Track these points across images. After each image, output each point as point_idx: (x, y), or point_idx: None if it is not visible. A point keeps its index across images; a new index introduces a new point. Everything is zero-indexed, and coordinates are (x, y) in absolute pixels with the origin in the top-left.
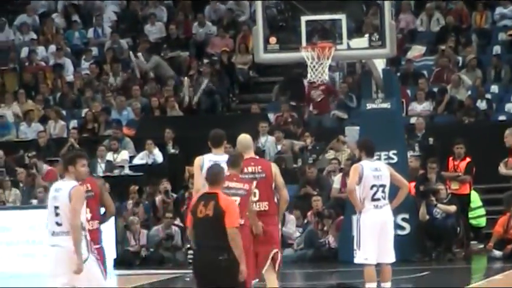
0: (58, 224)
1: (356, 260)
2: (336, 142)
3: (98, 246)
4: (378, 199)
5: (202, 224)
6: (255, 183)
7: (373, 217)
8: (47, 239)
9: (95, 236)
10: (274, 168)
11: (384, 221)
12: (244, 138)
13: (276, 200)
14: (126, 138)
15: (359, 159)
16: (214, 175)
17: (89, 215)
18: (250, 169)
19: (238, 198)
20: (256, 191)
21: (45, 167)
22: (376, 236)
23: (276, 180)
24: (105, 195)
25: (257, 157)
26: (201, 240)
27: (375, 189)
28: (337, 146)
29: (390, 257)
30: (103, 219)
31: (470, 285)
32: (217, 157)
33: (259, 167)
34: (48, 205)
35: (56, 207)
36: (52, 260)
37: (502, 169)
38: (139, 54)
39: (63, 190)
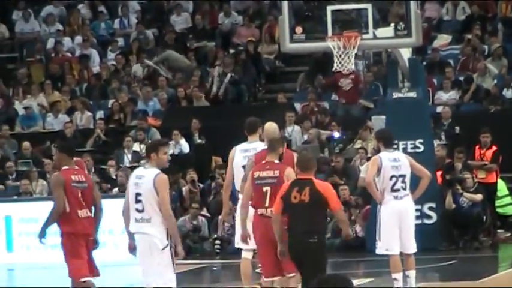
0: (139, 211)
1: (377, 251)
2: (363, 131)
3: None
4: (398, 190)
5: (297, 210)
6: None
7: (393, 208)
8: (130, 226)
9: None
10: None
11: (405, 211)
12: (270, 126)
13: None
14: (152, 128)
15: (378, 151)
16: (306, 161)
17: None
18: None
19: (268, 188)
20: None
21: None
22: (396, 227)
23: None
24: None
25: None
26: (294, 225)
27: (394, 179)
28: (364, 135)
29: (412, 247)
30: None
31: (497, 274)
32: (251, 145)
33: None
34: (130, 192)
35: (138, 194)
36: (139, 249)
37: None
38: (146, 60)
39: (146, 177)
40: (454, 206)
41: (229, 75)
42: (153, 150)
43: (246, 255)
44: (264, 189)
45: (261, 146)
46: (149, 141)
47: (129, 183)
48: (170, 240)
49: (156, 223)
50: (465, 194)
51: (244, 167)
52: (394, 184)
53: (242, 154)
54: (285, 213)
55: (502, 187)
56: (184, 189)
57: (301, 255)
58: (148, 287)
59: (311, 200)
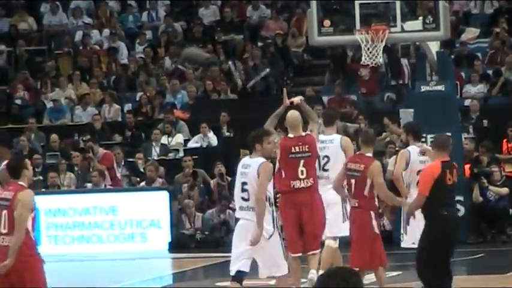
0: (244, 200)
1: (403, 244)
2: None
3: None
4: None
5: (451, 190)
6: (302, 161)
7: None
8: (236, 213)
9: None
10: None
11: None
12: (291, 115)
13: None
14: (180, 121)
15: (406, 144)
16: (442, 142)
17: None
18: (297, 149)
19: (353, 181)
20: (304, 169)
21: (101, 151)
22: (421, 220)
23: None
24: None
25: (303, 134)
26: (451, 205)
27: None
28: (393, 128)
29: None
30: None
31: None
32: (328, 137)
33: (306, 146)
34: (236, 181)
35: (244, 183)
36: (237, 232)
37: None
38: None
39: (252, 166)
40: (481, 199)
41: (267, 69)
42: (258, 141)
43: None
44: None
45: (337, 138)
46: (254, 132)
47: (236, 173)
48: (276, 227)
49: None
50: (491, 187)
51: (323, 156)
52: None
53: (319, 145)
54: (434, 194)
55: None
56: (212, 182)
57: (456, 234)
58: (262, 276)
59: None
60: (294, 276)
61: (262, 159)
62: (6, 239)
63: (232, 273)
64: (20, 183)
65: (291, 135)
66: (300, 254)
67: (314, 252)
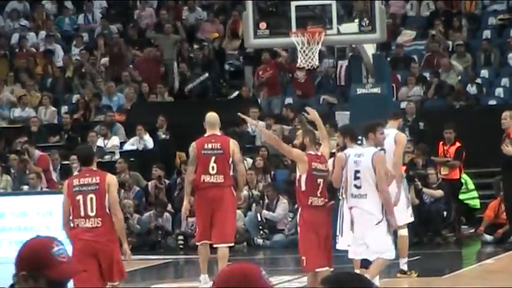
0: (357, 187)
1: (338, 246)
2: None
3: None
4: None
5: None
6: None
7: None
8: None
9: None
10: (233, 145)
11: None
12: (210, 115)
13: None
14: (117, 124)
15: (344, 147)
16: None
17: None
18: (210, 145)
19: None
20: (214, 165)
21: (37, 153)
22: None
23: (233, 156)
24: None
25: (219, 134)
26: None
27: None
28: (329, 131)
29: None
30: None
31: (462, 269)
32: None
33: (219, 144)
34: (348, 170)
35: (357, 171)
36: (348, 220)
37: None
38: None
39: (365, 156)
40: (417, 201)
41: (206, 74)
42: (371, 130)
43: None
44: (318, 180)
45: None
46: (366, 122)
47: (348, 162)
48: (385, 214)
49: (371, 199)
50: (425, 189)
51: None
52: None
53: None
54: None
55: (468, 181)
56: (150, 184)
57: None
58: (371, 259)
59: None
60: (201, 263)
61: (375, 149)
62: (95, 221)
63: (355, 256)
64: (94, 168)
65: (207, 134)
66: (206, 242)
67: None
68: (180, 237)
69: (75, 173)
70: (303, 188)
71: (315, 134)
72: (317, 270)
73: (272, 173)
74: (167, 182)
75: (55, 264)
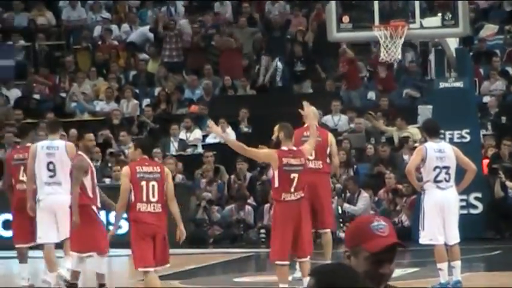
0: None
1: (421, 241)
2: (400, 121)
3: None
4: (441, 181)
5: None
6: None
7: (435, 198)
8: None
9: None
10: (331, 137)
11: (447, 202)
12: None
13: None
14: (202, 117)
15: (424, 140)
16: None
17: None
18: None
19: (296, 175)
20: (313, 152)
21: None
22: (439, 217)
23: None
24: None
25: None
26: None
27: (437, 170)
28: (400, 124)
29: (453, 238)
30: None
31: None
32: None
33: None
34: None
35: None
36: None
37: None
38: None
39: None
40: (502, 194)
41: (277, 60)
42: None
43: None
44: (292, 175)
45: None
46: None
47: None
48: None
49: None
50: (507, 182)
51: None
52: (438, 175)
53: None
54: None
55: None
56: (231, 177)
57: None
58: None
59: None
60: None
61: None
62: (157, 206)
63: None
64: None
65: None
66: None
67: None
68: (262, 230)
69: None
70: (276, 184)
71: (290, 128)
72: (276, 262)
73: (354, 166)
74: (249, 176)
75: (372, 237)
